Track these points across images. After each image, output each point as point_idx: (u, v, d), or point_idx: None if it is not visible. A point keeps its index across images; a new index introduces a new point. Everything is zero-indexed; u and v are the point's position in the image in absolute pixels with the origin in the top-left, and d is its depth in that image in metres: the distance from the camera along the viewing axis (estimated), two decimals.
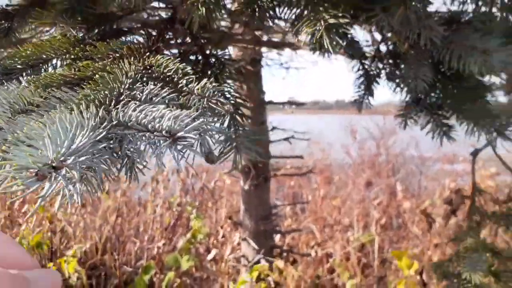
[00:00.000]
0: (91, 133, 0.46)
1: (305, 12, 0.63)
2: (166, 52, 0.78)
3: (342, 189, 6.13)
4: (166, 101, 0.60)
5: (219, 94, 0.61)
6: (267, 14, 0.68)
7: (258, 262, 2.74)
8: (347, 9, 0.76)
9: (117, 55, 0.74)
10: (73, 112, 0.48)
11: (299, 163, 6.10)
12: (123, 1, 0.77)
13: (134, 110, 0.52)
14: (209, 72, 0.78)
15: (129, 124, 0.51)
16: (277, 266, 2.65)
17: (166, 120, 0.49)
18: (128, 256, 3.71)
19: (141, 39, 0.81)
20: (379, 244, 4.53)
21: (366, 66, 1.00)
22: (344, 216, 5.24)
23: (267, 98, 3.07)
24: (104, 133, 0.47)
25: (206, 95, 0.60)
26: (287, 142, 3.51)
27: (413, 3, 0.67)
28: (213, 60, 0.79)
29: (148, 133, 0.49)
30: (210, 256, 3.23)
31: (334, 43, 0.62)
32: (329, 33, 0.61)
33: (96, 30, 0.85)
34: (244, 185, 2.89)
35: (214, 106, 0.59)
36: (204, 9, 0.66)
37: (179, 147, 0.49)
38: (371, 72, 0.99)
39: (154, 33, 0.81)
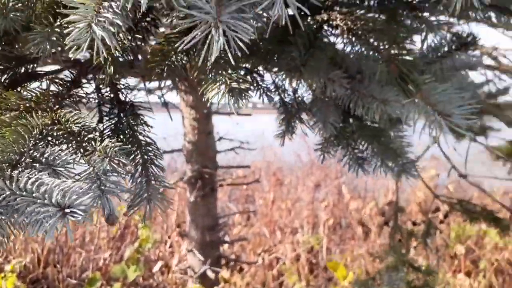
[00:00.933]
0: None
1: (212, 73, 0.67)
2: (80, 99, 0.79)
3: (293, 192, 6.25)
4: (69, 162, 0.61)
5: (122, 154, 0.63)
6: (176, 73, 0.71)
7: (204, 273, 2.76)
8: (257, 62, 0.80)
9: (27, 105, 0.74)
10: None
11: (253, 167, 6.18)
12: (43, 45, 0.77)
13: (28, 179, 0.53)
14: (123, 120, 0.80)
15: (22, 195, 0.52)
16: (222, 276, 2.68)
17: (55, 194, 0.50)
18: (72, 268, 3.61)
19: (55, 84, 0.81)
20: (327, 245, 4.68)
21: (287, 104, 1.04)
22: (294, 218, 5.36)
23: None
24: None
25: (109, 155, 0.62)
26: (241, 144, 3.55)
27: (312, 64, 0.73)
28: (128, 106, 0.80)
29: (39, 206, 0.51)
30: (156, 268, 3.21)
31: (237, 103, 0.66)
32: (232, 95, 0.65)
33: (10, 73, 0.84)
34: (190, 196, 2.89)
35: (116, 167, 0.61)
36: (112, 68, 0.67)
37: (70, 219, 0.51)
38: (292, 110, 1.04)
39: (69, 78, 0.81)
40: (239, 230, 4.52)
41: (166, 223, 4.58)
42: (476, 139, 1.76)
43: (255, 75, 0.90)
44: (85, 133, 0.66)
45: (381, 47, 0.69)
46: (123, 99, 0.82)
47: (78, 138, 0.65)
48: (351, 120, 1.07)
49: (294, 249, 4.56)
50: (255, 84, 0.88)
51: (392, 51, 0.68)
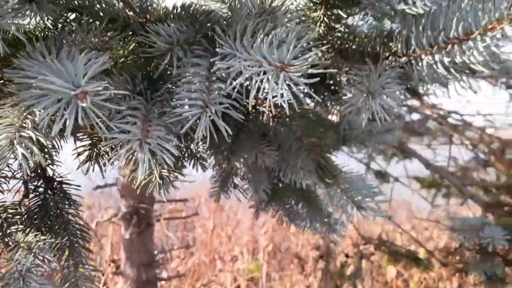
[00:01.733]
0: None
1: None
2: (4, 178, 0.76)
3: (233, 217, 6.24)
4: None
5: (47, 248, 0.61)
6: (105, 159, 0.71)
7: None
8: (190, 141, 0.82)
9: None
10: None
11: (193, 193, 6.11)
12: None
13: None
14: (50, 197, 0.78)
15: None
16: None
17: None
18: None
19: None
20: (267, 271, 4.72)
21: (222, 166, 1.07)
22: (235, 245, 5.34)
23: None
24: None
25: (33, 250, 0.60)
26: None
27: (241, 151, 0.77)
28: (55, 184, 0.79)
29: None
30: None
31: (168, 189, 0.68)
32: (163, 182, 0.66)
33: None
34: (125, 233, 2.80)
35: (40, 263, 0.60)
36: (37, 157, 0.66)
37: None
38: (228, 170, 1.07)
39: None
40: (178, 264, 4.44)
41: (100, 256, 4.38)
42: (399, 179, 1.91)
43: (188, 143, 0.92)
44: (8, 225, 0.64)
45: (303, 136, 0.75)
46: (51, 174, 0.80)
47: (0, 233, 0.62)
48: (282, 179, 1.11)
49: (234, 278, 4.54)
50: (188, 153, 0.90)
51: (313, 140, 0.74)
